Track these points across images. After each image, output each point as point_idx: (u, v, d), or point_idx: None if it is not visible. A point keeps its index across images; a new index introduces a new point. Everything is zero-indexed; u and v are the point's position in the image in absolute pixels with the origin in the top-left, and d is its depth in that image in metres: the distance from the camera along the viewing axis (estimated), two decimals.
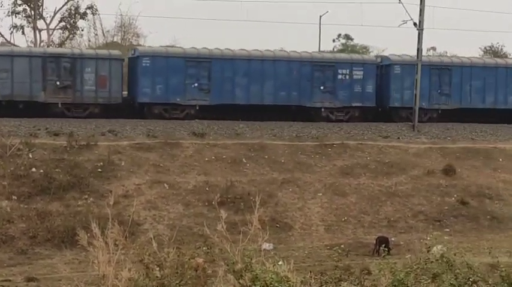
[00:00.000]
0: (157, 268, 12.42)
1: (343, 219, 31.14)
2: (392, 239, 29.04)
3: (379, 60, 42.83)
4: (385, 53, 51.39)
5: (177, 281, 12.15)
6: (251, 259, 11.63)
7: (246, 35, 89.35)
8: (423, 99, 40.35)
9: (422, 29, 40.17)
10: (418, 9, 40.38)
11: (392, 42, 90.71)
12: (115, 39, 71.40)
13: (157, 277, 12.20)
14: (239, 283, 11.38)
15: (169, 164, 32.54)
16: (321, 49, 68.91)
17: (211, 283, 12.36)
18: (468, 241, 29.46)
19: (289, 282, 11.32)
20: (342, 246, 28.16)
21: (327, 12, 72.88)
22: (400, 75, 40.99)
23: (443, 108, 41.60)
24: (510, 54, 70.41)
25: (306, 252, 27.91)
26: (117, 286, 12.27)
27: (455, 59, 44.13)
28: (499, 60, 46.00)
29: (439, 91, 41.49)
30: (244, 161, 33.58)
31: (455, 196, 33.27)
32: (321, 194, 32.34)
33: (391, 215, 31.74)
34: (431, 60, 43.31)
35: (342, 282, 12.37)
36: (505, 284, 12.19)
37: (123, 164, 31.98)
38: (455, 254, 13.19)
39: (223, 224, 13.01)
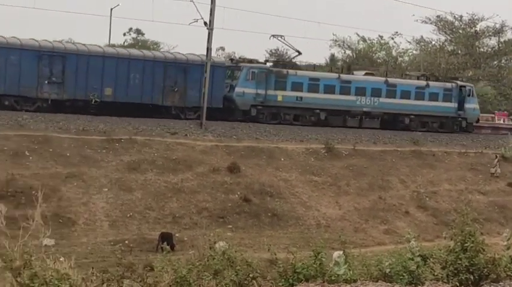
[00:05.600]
0: None
1: (128, 215, 30.93)
2: (177, 235, 29.27)
3: None
4: (176, 50, 51.81)
5: None
6: (31, 256, 11.21)
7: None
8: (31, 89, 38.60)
9: (212, 29, 40.85)
10: (209, 9, 41.06)
11: (184, 39, 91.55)
12: None
13: None
14: (17, 281, 10.92)
15: None
16: (111, 42, 68.13)
17: None
18: (249, 238, 30.40)
19: (70, 279, 11.04)
20: (126, 242, 28.14)
21: (118, 5, 72.15)
22: None
23: (54, 98, 39.59)
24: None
25: (89, 248, 27.41)
26: None
27: (69, 45, 42.06)
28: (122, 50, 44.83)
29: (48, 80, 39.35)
30: (27, 153, 32.38)
31: (238, 193, 34.13)
32: (106, 189, 31.90)
33: (176, 211, 31.96)
34: (42, 45, 39.77)
35: (125, 279, 12.26)
36: (282, 280, 12.66)
37: None
38: (236, 251, 13.51)
39: (3, 219, 12.43)
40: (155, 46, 78.98)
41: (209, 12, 40.97)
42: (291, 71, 46.25)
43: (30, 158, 32.16)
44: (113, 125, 37.30)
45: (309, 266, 12.87)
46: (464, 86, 52.88)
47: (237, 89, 44.29)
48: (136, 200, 31.88)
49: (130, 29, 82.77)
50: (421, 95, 50.41)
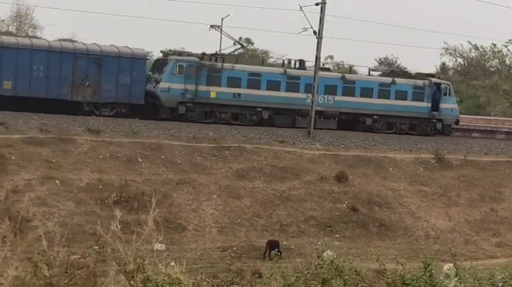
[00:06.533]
0: (46, 267, 12.11)
1: (236, 222, 31.29)
2: (284, 242, 29.39)
3: None
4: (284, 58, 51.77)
5: (66, 281, 11.90)
6: (144, 260, 11.53)
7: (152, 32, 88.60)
8: None
9: (321, 38, 40.87)
10: (318, 18, 41.10)
11: (293, 48, 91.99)
12: (10, 29, 69.47)
13: (45, 276, 11.91)
14: (130, 284, 11.27)
15: (62, 160, 31.82)
16: (222, 51, 69.12)
17: (102, 284, 12.17)
18: (357, 247, 30.20)
19: (181, 284, 11.30)
20: (235, 248, 28.48)
21: (229, 15, 73.18)
22: None
23: None
24: (405, 68, 72.76)
25: (198, 254, 27.90)
26: (2, 284, 11.92)
27: None
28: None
29: None
30: (140, 160, 33.26)
31: (346, 202, 33.96)
32: (215, 196, 32.38)
33: (283, 219, 32.10)
34: None
35: (234, 285, 12.44)
36: None
37: (13, 158, 31.10)
38: (344, 261, 13.47)
39: (118, 224, 12.82)
40: (264, 55, 79.70)
41: (318, 21, 41.03)
42: (226, 65, 42.02)
43: (143, 164, 33.01)
44: (222, 133, 37.88)
45: (419, 278, 12.71)
46: (440, 84, 47.55)
47: (162, 84, 40.34)
48: (244, 207, 32.22)
49: (240, 38, 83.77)
50: (385, 93, 45.39)
